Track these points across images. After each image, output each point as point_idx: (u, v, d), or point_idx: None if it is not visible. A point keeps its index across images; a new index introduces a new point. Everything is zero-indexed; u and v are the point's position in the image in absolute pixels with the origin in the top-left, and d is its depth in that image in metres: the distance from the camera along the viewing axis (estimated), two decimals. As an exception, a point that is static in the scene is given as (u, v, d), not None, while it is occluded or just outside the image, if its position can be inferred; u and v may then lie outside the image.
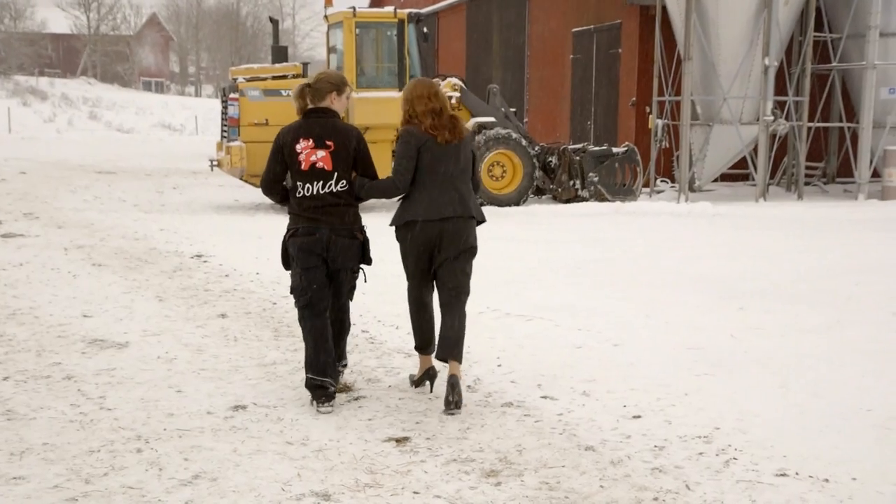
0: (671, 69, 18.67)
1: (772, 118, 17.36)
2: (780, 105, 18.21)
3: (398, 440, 4.97)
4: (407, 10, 16.51)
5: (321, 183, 5.54)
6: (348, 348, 6.11)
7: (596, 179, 16.80)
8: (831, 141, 20.48)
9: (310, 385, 5.52)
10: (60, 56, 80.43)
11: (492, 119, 16.82)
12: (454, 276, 5.71)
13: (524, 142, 16.68)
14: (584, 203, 16.60)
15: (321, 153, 5.53)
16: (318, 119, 5.60)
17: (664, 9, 18.27)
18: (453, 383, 5.48)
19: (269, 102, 15.62)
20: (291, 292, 5.69)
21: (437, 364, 5.87)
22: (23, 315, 7.85)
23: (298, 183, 5.56)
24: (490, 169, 16.54)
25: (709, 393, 5.76)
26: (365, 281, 5.98)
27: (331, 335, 5.63)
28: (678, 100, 18.05)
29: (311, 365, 5.53)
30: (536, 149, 17.31)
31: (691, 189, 18.03)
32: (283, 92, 15.73)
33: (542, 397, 5.70)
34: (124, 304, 8.34)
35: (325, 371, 5.51)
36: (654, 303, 8.37)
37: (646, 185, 18.43)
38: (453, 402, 5.44)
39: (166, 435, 5.01)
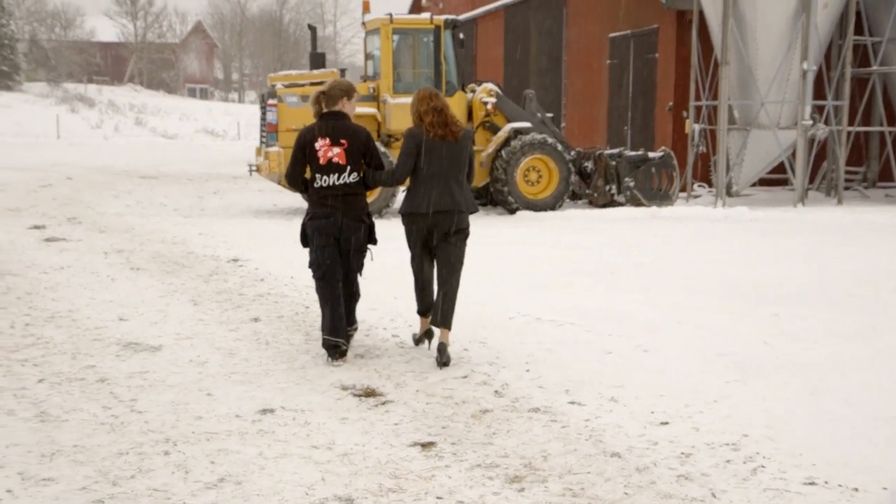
0: (708, 74, 18.55)
1: (810, 122, 17.19)
2: (819, 109, 18.02)
3: (423, 445, 4.99)
4: (443, 17, 16.55)
5: (336, 175, 6.60)
6: (375, 345, 6.85)
7: (632, 184, 16.73)
8: (872, 145, 20.24)
9: (326, 345, 6.63)
10: (108, 64, 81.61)
11: (528, 124, 16.80)
12: (448, 256, 6.76)
13: (560, 147, 16.65)
14: (621, 208, 16.53)
15: (337, 150, 6.59)
16: (332, 121, 6.65)
17: (701, 13, 18.16)
18: (442, 349, 6.57)
19: (306, 108, 15.63)
20: (310, 266, 6.76)
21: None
22: (61, 318, 7.98)
23: (317, 175, 6.62)
24: (526, 174, 16.53)
25: (738, 399, 5.72)
26: (372, 259, 7.04)
27: (343, 302, 6.71)
28: (715, 104, 17.93)
29: (326, 327, 6.65)
30: (572, 154, 17.28)
31: (729, 194, 17.90)
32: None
33: (570, 403, 5.70)
34: (160, 307, 8.45)
35: (338, 332, 6.63)
36: (687, 308, 8.33)
37: (683, 189, 18.33)
38: (442, 362, 6.52)
39: (194, 438, 5.07)
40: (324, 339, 6.65)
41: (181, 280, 9.80)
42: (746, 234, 13.55)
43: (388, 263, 10.72)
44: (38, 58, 68.74)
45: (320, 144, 6.59)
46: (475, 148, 16.70)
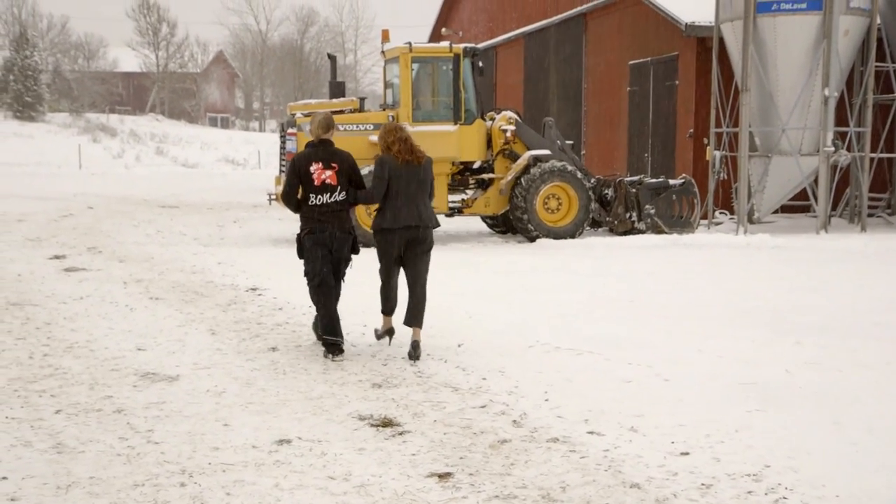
0: (729, 100, 18.49)
1: (832, 149, 17.09)
2: (841, 136, 17.92)
3: (441, 476, 4.95)
4: (462, 45, 16.59)
5: (328, 194, 7.62)
6: (392, 374, 7.11)
7: (653, 212, 16.66)
8: (895, 172, 20.09)
9: (325, 343, 7.62)
10: (130, 93, 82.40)
11: (547, 152, 16.79)
12: (416, 266, 7.82)
13: (579, 174, 16.62)
14: (641, 235, 16.46)
15: (329, 172, 7.59)
16: (324, 147, 7.67)
17: (721, 40, 18.14)
18: (415, 346, 7.59)
19: (325, 137, 15.74)
20: (305, 275, 7.75)
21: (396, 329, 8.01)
22: (79, 348, 7.99)
23: (311, 194, 7.62)
24: (546, 202, 16.49)
25: (760, 429, 5.65)
26: (351, 267, 7.95)
27: (337, 304, 7.70)
28: (736, 131, 17.86)
29: (324, 328, 7.65)
30: (592, 181, 17.24)
31: (750, 221, 17.79)
32: (340, 127, 15.86)
33: (589, 432, 5.64)
34: (178, 337, 8.45)
35: (335, 331, 7.62)
36: (708, 336, 8.26)
37: (704, 217, 18.24)
38: (415, 356, 7.52)
39: (210, 469, 5.04)
40: (323, 339, 7.66)
41: (199, 309, 9.80)
42: (768, 262, 13.45)
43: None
44: (61, 88, 69.45)
45: (314, 168, 7.57)
46: (495, 175, 16.78)
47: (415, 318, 7.74)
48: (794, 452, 5.23)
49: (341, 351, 7.59)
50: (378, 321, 8.29)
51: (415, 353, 7.56)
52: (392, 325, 7.99)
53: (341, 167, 7.64)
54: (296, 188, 7.69)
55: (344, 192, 7.67)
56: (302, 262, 7.83)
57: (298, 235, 7.79)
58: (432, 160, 7.98)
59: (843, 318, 9.11)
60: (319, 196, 7.61)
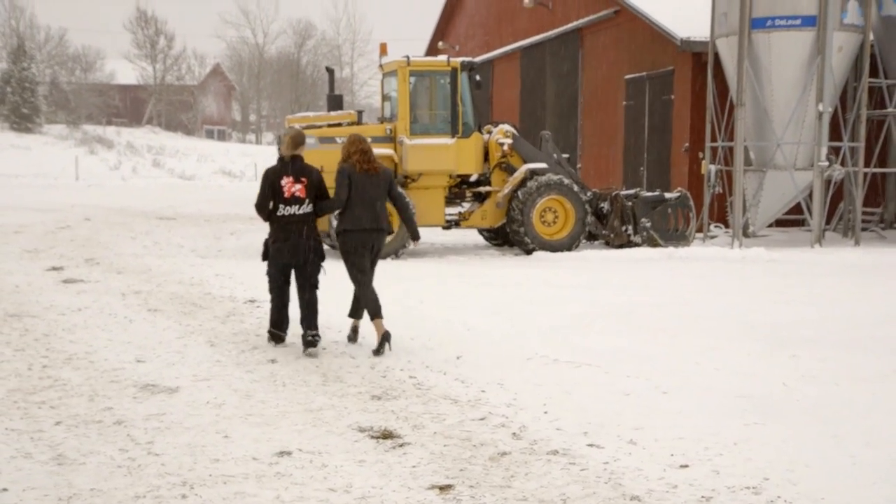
0: (724, 115, 18.56)
1: (827, 164, 17.16)
2: (835, 151, 17.99)
3: (441, 488, 4.96)
4: (460, 59, 16.65)
5: (297, 206, 8.28)
6: (392, 386, 6.99)
7: (649, 225, 16.71)
8: (889, 186, 20.17)
9: (272, 334, 8.61)
10: (127, 106, 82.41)
11: (544, 165, 16.84)
12: (372, 265, 8.57)
13: (576, 187, 16.67)
14: (637, 249, 16.49)
15: (298, 186, 8.27)
16: (294, 163, 8.34)
17: (716, 55, 18.22)
18: (387, 338, 8.20)
19: (323, 150, 15.78)
20: (267, 274, 8.57)
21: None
22: (78, 360, 7.99)
23: (281, 205, 8.27)
24: (542, 214, 16.53)
25: (759, 442, 5.67)
26: (325, 273, 8.55)
27: (288, 304, 8.57)
28: (731, 145, 17.93)
29: (273, 322, 8.61)
30: (588, 194, 17.29)
31: (745, 235, 17.83)
32: (337, 139, 15.90)
33: (589, 445, 5.66)
34: (177, 349, 8.46)
35: (281, 326, 8.61)
36: (705, 349, 8.28)
37: (699, 230, 18.29)
38: (383, 350, 8.16)
39: (211, 481, 5.05)
40: (270, 332, 8.65)
41: (198, 321, 9.81)
42: (764, 275, 13.49)
43: (404, 303, 10.76)
44: (58, 100, 69.40)
45: (285, 181, 8.25)
46: (492, 188, 16.82)
47: (378, 309, 8.39)
48: (792, 465, 5.26)
49: (283, 341, 8.62)
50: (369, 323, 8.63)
51: (385, 345, 8.24)
52: (359, 325, 8.81)
53: (310, 181, 8.33)
54: (267, 199, 8.34)
55: (311, 205, 8.36)
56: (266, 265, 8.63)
57: (266, 241, 8.55)
58: (392, 171, 8.67)
59: (839, 331, 9.14)
60: (288, 207, 8.28)
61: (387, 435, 5.85)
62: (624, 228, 16.97)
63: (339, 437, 5.84)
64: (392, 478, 5.11)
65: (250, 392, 6.94)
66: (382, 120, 17.23)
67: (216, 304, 10.92)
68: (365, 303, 8.43)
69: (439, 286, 12.26)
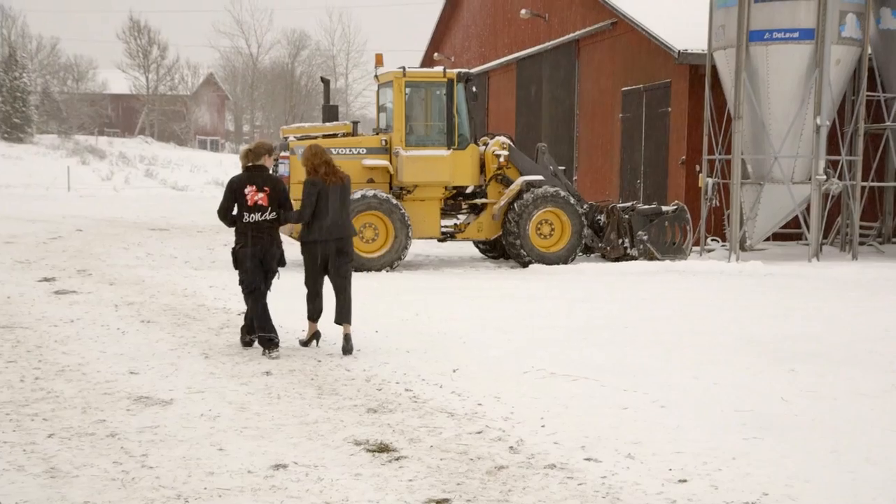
0: (721, 128, 18.57)
1: (824, 177, 17.16)
2: (832, 164, 18.00)
3: (438, 502, 4.91)
4: (456, 70, 16.65)
5: (260, 213, 8.62)
6: (388, 399, 6.92)
7: (645, 238, 16.69)
8: (886, 200, 20.17)
9: (262, 340, 8.59)
10: (120, 115, 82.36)
11: (540, 177, 16.82)
12: (342, 272, 8.87)
13: (572, 200, 16.65)
14: (634, 262, 16.46)
15: (261, 195, 8.60)
16: (258, 172, 8.70)
17: (713, 68, 18.24)
18: (347, 339, 8.60)
19: (318, 161, 15.74)
20: (241, 283, 8.77)
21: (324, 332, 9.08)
22: (71, 371, 7.92)
23: (245, 213, 8.61)
24: (538, 227, 16.51)
25: (757, 457, 5.63)
26: (278, 277, 8.96)
27: (268, 307, 8.73)
28: (728, 158, 17.93)
29: (260, 328, 8.63)
30: (585, 207, 17.28)
31: (742, 248, 17.82)
32: (332, 150, 15.88)
33: (586, 459, 5.61)
34: (171, 360, 8.40)
35: (270, 329, 8.58)
36: (703, 364, 8.24)
37: (696, 243, 18.27)
38: (349, 349, 8.56)
39: (206, 494, 4.99)
40: (260, 337, 8.63)
41: (192, 333, 9.75)
42: (761, 289, 13.46)
43: (400, 315, 10.71)
44: (49, 110, 69.29)
45: (248, 190, 8.60)
46: (488, 201, 16.80)
47: (344, 316, 8.79)
48: (792, 480, 5.21)
49: (277, 346, 8.59)
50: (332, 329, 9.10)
51: (347, 345, 8.60)
52: (318, 329, 9.01)
53: (273, 190, 8.68)
54: (230, 207, 8.70)
55: (274, 213, 8.70)
56: (237, 272, 8.84)
57: (233, 249, 8.81)
58: (350, 176, 9.10)
59: (838, 345, 9.11)
60: (252, 215, 8.62)
61: (383, 448, 5.79)
62: (620, 241, 16.94)
63: (335, 450, 5.78)
64: (388, 491, 5.05)
65: (245, 404, 6.88)
66: (378, 131, 17.21)
67: (210, 315, 10.86)
68: (308, 304, 8.97)
69: (435, 299, 12.21)
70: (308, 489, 5.08)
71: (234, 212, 8.72)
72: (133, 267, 15.72)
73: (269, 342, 8.57)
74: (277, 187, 8.71)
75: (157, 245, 19.83)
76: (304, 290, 9.04)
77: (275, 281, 8.96)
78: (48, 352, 8.71)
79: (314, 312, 8.97)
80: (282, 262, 8.90)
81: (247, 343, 8.93)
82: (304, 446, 5.85)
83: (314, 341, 8.99)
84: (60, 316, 10.67)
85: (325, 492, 5.04)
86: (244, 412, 6.67)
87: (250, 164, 8.74)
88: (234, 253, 8.78)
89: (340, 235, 8.80)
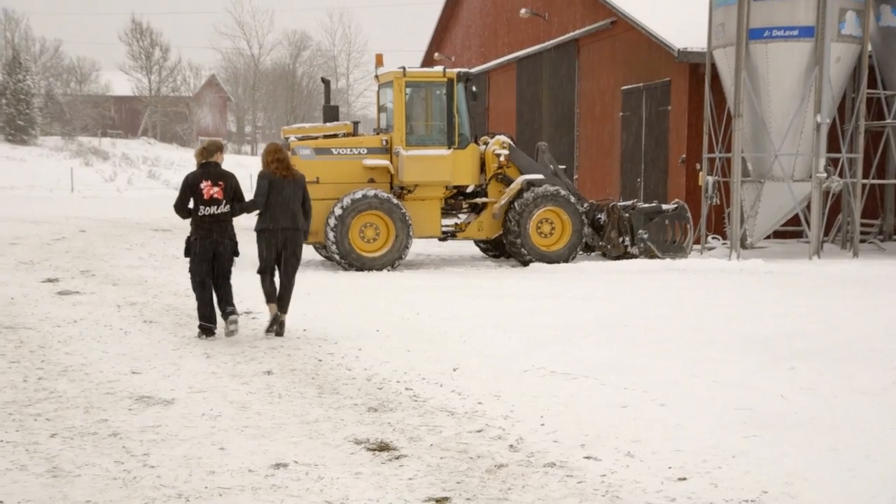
0: (721, 126, 18.58)
1: (825, 175, 17.16)
2: (833, 162, 18.01)
3: (438, 500, 4.93)
4: (456, 70, 16.68)
5: (215, 206, 9.27)
6: (388, 398, 6.94)
7: (646, 236, 16.70)
8: (887, 198, 20.19)
9: (201, 327, 9.42)
10: (123, 117, 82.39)
11: (540, 176, 16.85)
12: (290, 261, 9.71)
13: (573, 198, 16.67)
14: (634, 260, 16.49)
15: (216, 189, 9.24)
16: (212, 168, 9.36)
17: (713, 66, 18.25)
18: (281, 324, 9.55)
19: (319, 161, 15.80)
20: (190, 271, 9.50)
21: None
22: (74, 371, 7.95)
23: (200, 206, 9.24)
24: (539, 226, 16.53)
25: (757, 455, 5.64)
26: (235, 265, 9.66)
27: (213, 298, 9.43)
28: (729, 156, 17.95)
29: (202, 316, 9.43)
30: (585, 206, 17.30)
31: (743, 246, 17.83)
32: (333, 151, 15.92)
33: (586, 458, 5.63)
34: (173, 360, 8.43)
35: (210, 318, 9.43)
36: (703, 362, 8.25)
37: (696, 242, 18.29)
38: (280, 333, 9.50)
39: (207, 493, 5.01)
40: (200, 325, 9.44)
41: (194, 333, 9.77)
42: (761, 287, 13.47)
43: (400, 314, 10.73)
44: (53, 112, 69.32)
45: (204, 184, 9.21)
46: (488, 200, 16.82)
47: (282, 307, 9.63)
48: (791, 478, 5.22)
49: (213, 334, 9.41)
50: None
51: (280, 330, 9.52)
52: (277, 311, 9.60)
53: (227, 184, 9.34)
54: (186, 201, 9.37)
55: (228, 206, 9.36)
56: (188, 260, 9.53)
57: (188, 238, 9.45)
58: (304, 176, 9.89)
59: (838, 343, 9.11)
60: (207, 208, 9.25)
61: (383, 447, 5.82)
62: (621, 240, 16.96)
63: (336, 449, 5.80)
64: (388, 490, 5.08)
65: (246, 404, 6.91)
66: (378, 131, 17.24)
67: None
68: (264, 288, 9.69)
69: (436, 298, 12.22)
70: (308, 488, 5.10)
71: (191, 205, 9.35)
72: (136, 267, 15.75)
73: (208, 330, 9.40)
74: (231, 182, 9.40)
75: (159, 246, 19.85)
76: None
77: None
78: (51, 352, 8.74)
79: (271, 294, 9.64)
80: (236, 252, 9.55)
81: (228, 314, 9.43)
82: (304, 445, 5.88)
83: (276, 326, 9.54)
84: (63, 316, 10.70)
85: (326, 490, 5.06)
86: (245, 411, 6.69)
87: (204, 160, 9.39)
88: (188, 243, 9.45)
89: (288, 226, 9.54)
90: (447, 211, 16.99)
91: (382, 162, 16.04)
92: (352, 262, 15.52)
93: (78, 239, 20.91)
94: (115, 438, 6.02)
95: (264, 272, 9.71)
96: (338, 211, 15.35)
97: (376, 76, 17.20)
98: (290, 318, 10.03)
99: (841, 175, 18.04)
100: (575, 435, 6.06)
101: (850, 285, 13.67)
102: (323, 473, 5.34)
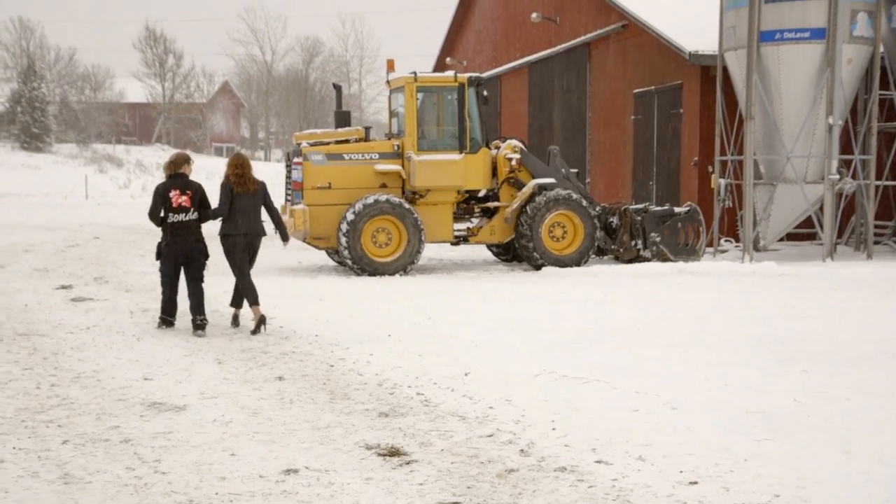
0: (733, 128, 18.52)
1: (837, 177, 17.09)
2: (846, 164, 17.93)
3: (449, 505, 4.93)
4: (467, 75, 16.68)
5: (184, 214, 10.09)
6: (399, 403, 6.90)
7: (658, 239, 16.66)
8: (901, 199, 20.07)
9: (163, 320, 10.35)
10: (137, 124, 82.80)
11: (552, 180, 16.83)
12: (250, 262, 10.53)
13: (585, 202, 16.64)
14: (647, 263, 16.44)
15: (184, 197, 10.06)
16: (180, 178, 10.18)
17: (725, 69, 18.20)
18: (263, 321, 10.02)
19: (331, 166, 15.83)
20: (160, 271, 10.33)
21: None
22: (86, 378, 7.99)
23: (170, 214, 10.06)
24: (551, 230, 16.50)
25: (769, 458, 5.62)
26: (207, 268, 10.50)
27: (177, 295, 10.34)
28: (741, 159, 17.89)
29: (164, 310, 10.37)
30: (597, 209, 17.27)
31: (756, 249, 17.77)
32: (345, 156, 15.95)
33: (597, 462, 5.62)
34: (184, 366, 8.45)
35: (172, 313, 10.37)
36: (715, 365, 8.23)
37: (709, 244, 18.24)
38: (235, 325, 10.45)
39: (218, 499, 5.03)
40: (161, 318, 10.38)
41: (205, 339, 9.81)
42: (774, 290, 13.43)
43: (412, 319, 10.74)
44: (67, 119, 69.75)
45: (173, 193, 10.02)
46: (500, 204, 16.81)
47: (238, 302, 10.52)
48: (803, 482, 5.20)
49: (172, 325, 10.33)
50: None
51: (235, 323, 10.46)
52: (262, 313, 10.12)
53: (194, 193, 10.13)
54: (158, 209, 10.08)
55: (196, 213, 10.15)
56: (158, 262, 10.38)
57: (159, 244, 10.32)
58: (265, 185, 10.57)
59: (851, 346, 9.08)
60: (177, 215, 10.05)
61: (394, 452, 5.82)
62: (633, 243, 16.93)
63: (347, 454, 5.81)
64: (399, 495, 5.08)
65: (257, 409, 6.92)
66: (390, 136, 17.25)
67: (223, 321, 10.91)
68: (245, 292, 10.28)
69: (447, 302, 12.23)
70: (319, 493, 5.11)
71: (162, 213, 10.11)
72: (149, 274, 15.76)
73: (168, 323, 10.34)
74: (198, 191, 10.21)
75: (172, 252, 19.87)
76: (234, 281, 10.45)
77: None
78: (64, 359, 8.78)
79: (254, 295, 10.19)
80: (206, 255, 10.37)
81: (198, 326, 10.06)
82: (315, 451, 5.89)
83: (262, 326, 10.03)
84: (77, 323, 10.75)
85: (336, 496, 5.07)
86: (256, 417, 6.71)
87: (172, 172, 10.19)
88: (159, 247, 10.30)
89: (248, 232, 10.35)
90: (459, 215, 16.99)
91: (394, 167, 16.05)
92: (364, 267, 15.54)
93: (92, 245, 21.01)
94: (127, 445, 6.04)
95: (237, 274, 10.40)
96: (350, 216, 15.37)
97: (388, 81, 17.21)
98: (301, 323, 10.05)
99: (854, 177, 17.96)
100: (586, 439, 6.06)
101: (863, 287, 13.61)
102: (333, 479, 5.35)
